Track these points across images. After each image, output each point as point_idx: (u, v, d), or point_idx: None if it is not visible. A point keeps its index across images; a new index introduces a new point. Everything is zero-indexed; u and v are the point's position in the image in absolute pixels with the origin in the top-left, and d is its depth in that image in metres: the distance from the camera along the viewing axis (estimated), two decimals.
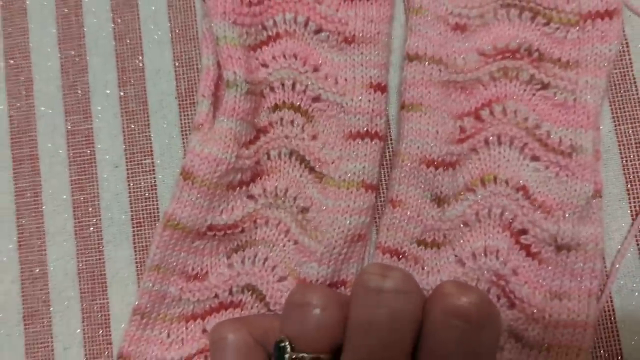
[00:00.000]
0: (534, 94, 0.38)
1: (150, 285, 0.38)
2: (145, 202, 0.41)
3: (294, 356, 0.30)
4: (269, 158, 0.40)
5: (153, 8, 0.43)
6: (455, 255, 0.38)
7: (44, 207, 0.41)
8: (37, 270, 0.41)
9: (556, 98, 0.38)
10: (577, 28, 0.38)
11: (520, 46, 0.38)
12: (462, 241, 0.38)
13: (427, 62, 0.38)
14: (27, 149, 0.42)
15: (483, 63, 0.39)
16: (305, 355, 0.30)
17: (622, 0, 0.38)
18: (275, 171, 0.40)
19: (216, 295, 0.38)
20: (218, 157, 0.38)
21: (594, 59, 0.37)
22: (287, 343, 0.31)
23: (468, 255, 0.37)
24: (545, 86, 0.38)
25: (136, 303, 0.38)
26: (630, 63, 0.39)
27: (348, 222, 0.38)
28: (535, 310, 0.36)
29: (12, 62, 0.43)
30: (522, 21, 0.39)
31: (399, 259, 0.38)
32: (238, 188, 0.39)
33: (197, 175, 0.38)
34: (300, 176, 0.39)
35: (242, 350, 0.32)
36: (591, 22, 0.38)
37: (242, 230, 0.39)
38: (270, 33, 0.41)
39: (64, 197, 0.41)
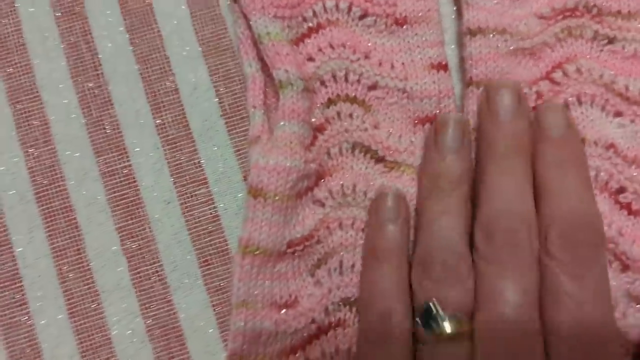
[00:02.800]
0: (601, 50, 0.37)
1: (242, 324, 0.33)
2: (210, 236, 0.36)
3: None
4: (329, 157, 0.36)
5: (175, 22, 0.38)
6: None
7: (91, 263, 0.36)
8: (97, 337, 0.35)
9: (625, 50, 0.37)
10: None
11: (577, 4, 0.37)
12: None
13: (491, 35, 0.36)
14: (57, 202, 0.36)
15: (545, 26, 0.37)
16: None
17: None
18: (338, 169, 0.36)
19: (313, 320, 0.35)
20: (287, 165, 0.34)
21: None
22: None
23: None
24: (611, 40, 0.37)
25: (230, 348, 0.33)
26: None
27: None
28: None
29: (19, 106, 0.37)
30: None
31: None
32: (304, 196, 0.36)
33: (268, 190, 0.34)
34: (366, 168, 0.37)
35: None
36: None
37: (318, 241, 0.35)
38: (311, 24, 0.37)
39: (114, 248, 0.36)
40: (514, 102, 0.34)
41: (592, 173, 0.36)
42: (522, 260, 0.31)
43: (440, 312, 0.31)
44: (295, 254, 0.35)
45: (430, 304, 0.31)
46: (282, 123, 0.35)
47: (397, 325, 0.31)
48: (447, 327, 0.30)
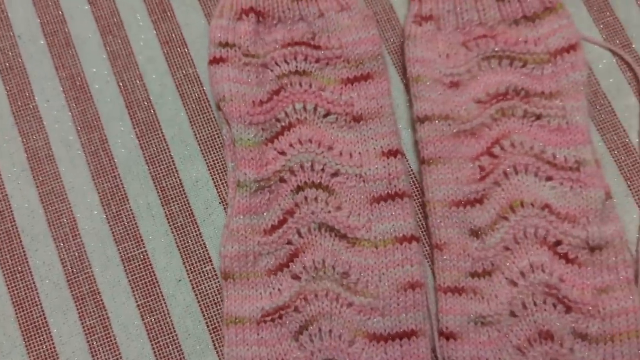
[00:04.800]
0: (531, 125, 0.44)
1: None
2: (217, 306, 0.43)
3: None
4: (300, 236, 0.43)
5: (178, 128, 0.46)
6: (506, 278, 0.42)
7: (117, 338, 0.42)
8: None
9: (551, 125, 0.44)
10: (550, 64, 0.45)
11: (507, 88, 0.45)
12: (508, 264, 0.42)
13: (436, 121, 0.44)
14: (85, 287, 0.43)
15: (482, 109, 0.45)
16: None
17: (579, 35, 0.45)
18: (309, 246, 0.43)
19: None
20: (241, 251, 0.42)
21: (572, 86, 0.44)
22: None
23: (518, 275, 0.42)
24: (538, 117, 0.44)
25: None
26: (597, 81, 0.47)
27: (394, 273, 0.42)
28: (589, 308, 0.41)
29: (50, 207, 0.44)
30: (502, 68, 0.45)
31: (460, 295, 0.42)
32: (279, 271, 0.42)
33: (234, 272, 0.42)
34: (333, 245, 0.43)
35: None
36: (560, 57, 0.45)
37: (297, 310, 0.41)
38: (283, 124, 0.45)
39: (135, 323, 0.42)
40: None
41: (532, 230, 0.42)
42: None
43: None
44: (275, 322, 0.41)
45: None
46: (235, 218, 0.42)
47: None
48: None
